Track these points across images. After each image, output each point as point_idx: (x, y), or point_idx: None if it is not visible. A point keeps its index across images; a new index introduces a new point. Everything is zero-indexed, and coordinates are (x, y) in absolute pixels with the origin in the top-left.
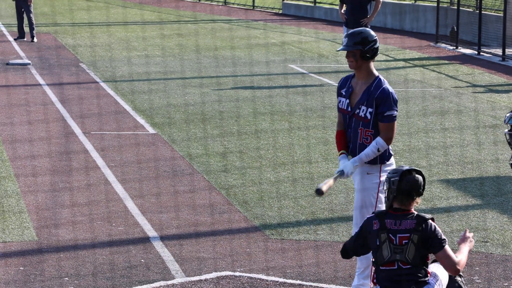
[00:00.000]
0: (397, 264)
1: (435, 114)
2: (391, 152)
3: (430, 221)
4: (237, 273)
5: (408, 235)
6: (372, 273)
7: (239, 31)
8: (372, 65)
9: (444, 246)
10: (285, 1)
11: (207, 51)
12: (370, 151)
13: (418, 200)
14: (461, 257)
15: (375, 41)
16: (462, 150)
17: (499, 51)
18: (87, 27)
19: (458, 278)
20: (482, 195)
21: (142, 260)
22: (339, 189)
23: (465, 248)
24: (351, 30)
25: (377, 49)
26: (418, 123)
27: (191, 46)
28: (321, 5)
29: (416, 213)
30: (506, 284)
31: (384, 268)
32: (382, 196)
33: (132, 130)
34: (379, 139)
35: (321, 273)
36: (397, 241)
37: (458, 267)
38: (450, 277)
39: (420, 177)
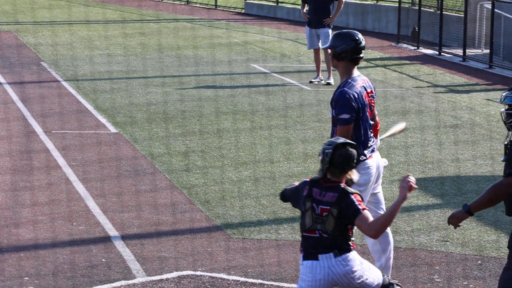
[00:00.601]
0: (318, 232)
1: (396, 114)
2: (362, 155)
3: (352, 195)
4: (198, 273)
5: (328, 207)
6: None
7: (202, 30)
8: (351, 68)
9: (358, 214)
10: (247, 1)
11: (170, 50)
12: None
13: (351, 173)
14: (378, 220)
15: (351, 44)
16: (423, 150)
17: (459, 52)
18: (48, 26)
19: (397, 287)
20: (442, 195)
21: (103, 260)
22: None
23: (394, 204)
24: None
25: (352, 52)
26: (379, 123)
27: (153, 45)
28: (283, 5)
29: (343, 186)
30: (465, 283)
31: (306, 234)
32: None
33: (94, 129)
34: None
35: (283, 273)
36: (319, 212)
37: (372, 229)
38: (386, 286)
39: (354, 151)
